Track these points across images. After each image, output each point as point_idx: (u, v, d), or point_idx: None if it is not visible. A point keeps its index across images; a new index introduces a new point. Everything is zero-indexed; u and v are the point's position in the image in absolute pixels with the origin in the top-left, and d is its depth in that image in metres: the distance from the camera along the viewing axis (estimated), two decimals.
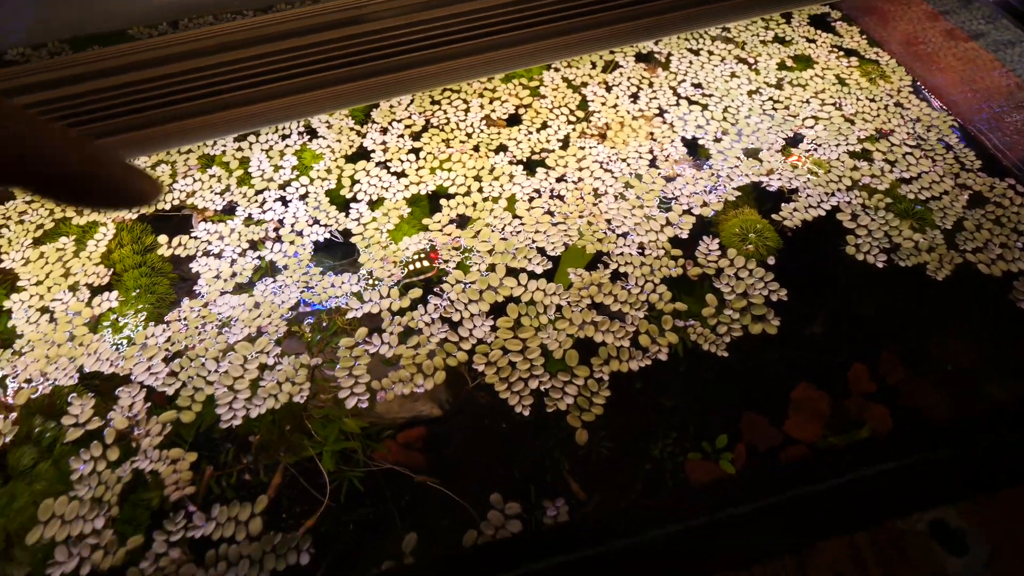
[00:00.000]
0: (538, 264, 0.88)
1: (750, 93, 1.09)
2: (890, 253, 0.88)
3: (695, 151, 1.01)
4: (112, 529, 0.68)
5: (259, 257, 0.90)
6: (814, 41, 1.18)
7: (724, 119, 1.05)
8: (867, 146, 1.01)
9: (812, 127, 1.04)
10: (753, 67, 1.13)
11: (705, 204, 0.94)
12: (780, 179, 0.97)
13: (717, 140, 1.02)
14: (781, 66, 1.13)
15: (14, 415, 0.76)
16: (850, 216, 0.92)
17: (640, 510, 0.70)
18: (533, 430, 0.74)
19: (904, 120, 1.05)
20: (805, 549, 0.72)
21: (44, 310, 0.86)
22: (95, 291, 0.88)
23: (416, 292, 0.85)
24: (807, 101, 1.08)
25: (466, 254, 0.89)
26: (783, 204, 0.94)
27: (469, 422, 0.76)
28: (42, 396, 0.78)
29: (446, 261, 0.89)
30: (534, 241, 0.90)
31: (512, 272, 0.87)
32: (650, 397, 0.77)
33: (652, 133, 1.03)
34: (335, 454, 0.73)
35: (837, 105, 1.07)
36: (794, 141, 1.02)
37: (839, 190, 0.95)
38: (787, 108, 1.07)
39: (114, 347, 0.82)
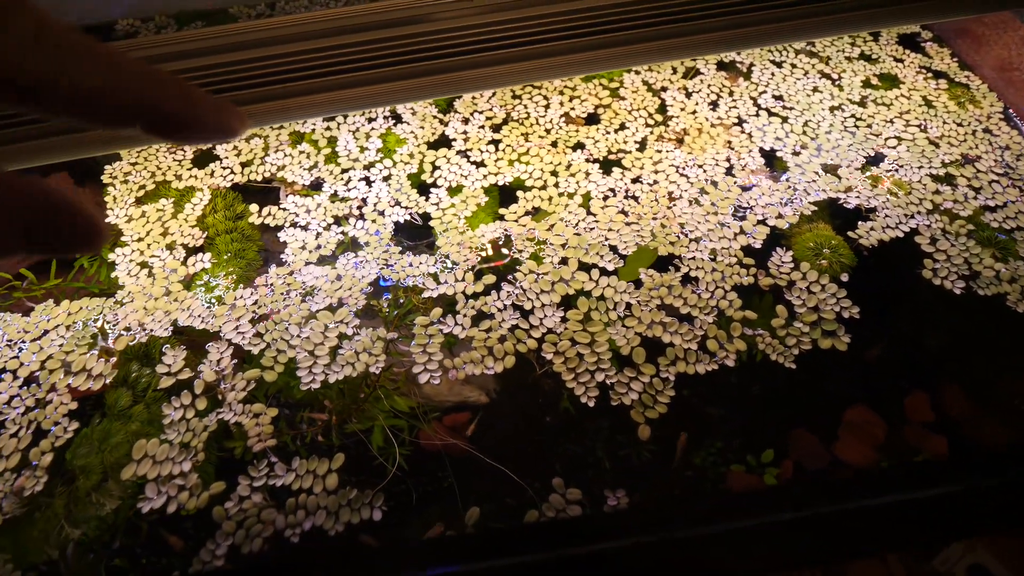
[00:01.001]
0: (610, 261, 0.89)
1: (832, 109, 1.08)
2: (969, 280, 0.87)
3: (772, 163, 1.01)
4: (197, 473, 0.72)
5: (342, 232, 0.95)
6: (902, 61, 1.16)
7: (804, 133, 1.05)
8: (951, 171, 0.99)
9: (895, 147, 1.02)
10: (836, 83, 1.12)
11: (780, 216, 0.94)
12: (858, 197, 0.96)
13: (796, 153, 1.02)
14: (865, 84, 1.12)
15: (114, 359, 0.82)
16: (929, 240, 0.91)
17: (676, 508, 0.71)
18: (583, 422, 0.76)
19: (992, 147, 1.02)
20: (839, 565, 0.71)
21: (144, 265, 0.92)
22: (190, 251, 0.94)
23: (490, 278, 0.88)
24: (891, 121, 1.06)
25: (540, 246, 0.91)
26: (860, 222, 0.93)
27: (517, 410, 0.78)
28: (139, 344, 0.84)
29: (520, 251, 0.91)
30: (607, 239, 0.92)
31: (584, 267, 0.89)
32: (701, 403, 0.78)
33: (730, 142, 1.04)
34: (389, 428, 0.77)
35: (922, 127, 1.05)
36: (875, 160, 1.01)
37: (919, 212, 0.94)
38: (869, 126, 1.05)
39: (206, 305, 0.87)
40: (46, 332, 0.85)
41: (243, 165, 1.04)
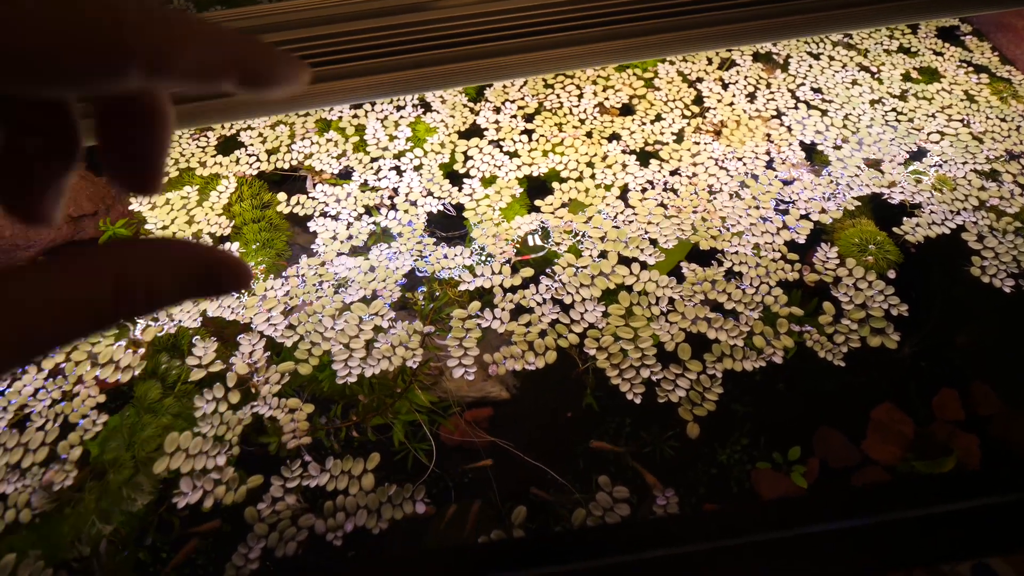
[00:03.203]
0: (651, 255, 0.87)
1: (872, 102, 1.06)
2: (1018, 278, 0.85)
3: (813, 157, 0.99)
4: (233, 467, 0.70)
5: (374, 223, 0.92)
6: (941, 54, 1.13)
7: (844, 127, 1.02)
8: (996, 167, 0.97)
9: (938, 142, 1.00)
10: (876, 76, 1.10)
11: (823, 211, 0.92)
12: (903, 192, 0.94)
13: (837, 147, 0.99)
14: (906, 77, 1.10)
15: (142, 351, 0.80)
16: (976, 237, 0.89)
17: (704, 518, 0.69)
18: (603, 418, 0.74)
19: None
20: None
21: None
22: (217, 240, 0.91)
23: (528, 271, 0.86)
24: (932, 115, 1.04)
25: (578, 239, 0.89)
26: (905, 218, 0.91)
27: (532, 407, 0.76)
28: (167, 335, 0.81)
29: (557, 243, 0.89)
30: (646, 232, 0.90)
31: (624, 260, 0.87)
32: (727, 400, 0.75)
33: (769, 135, 1.01)
34: (412, 423, 0.74)
35: (965, 122, 1.03)
36: (918, 155, 0.99)
37: (965, 209, 0.92)
38: (911, 121, 1.03)
39: (235, 295, 0.84)
40: None
41: (269, 153, 1.01)
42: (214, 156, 1.01)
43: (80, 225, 0.95)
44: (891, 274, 0.85)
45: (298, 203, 0.95)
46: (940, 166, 0.97)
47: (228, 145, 1.03)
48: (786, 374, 0.77)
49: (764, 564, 0.66)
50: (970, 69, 1.11)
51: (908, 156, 0.99)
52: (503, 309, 0.82)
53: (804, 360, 0.78)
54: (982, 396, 0.81)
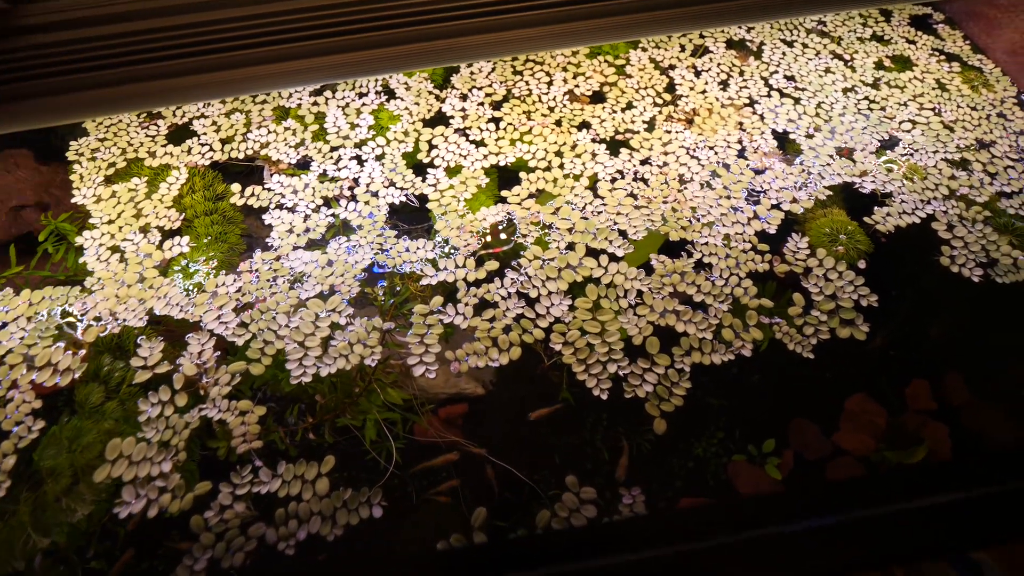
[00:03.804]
0: (619, 247, 0.85)
1: (845, 91, 1.04)
2: (987, 268, 0.84)
3: (785, 145, 0.97)
4: (180, 473, 0.66)
5: (333, 215, 0.88)
6: (914, 43, 1.12)
7: (817, 115, 1.00)
8: (966, 155, 0.96)
9: (909, 131, 0.99)
10: (849, 64, 1.08)
11: (795, 200, 0.90)
12: (874, 182, 0.92)
13: (809, 136, 0.98)
14: (878, 65, 1.08)
15: (83, 352, 0.75)
16: (946, 226, 0.88)
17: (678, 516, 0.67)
18: (575, 415, 0.72)
19: (1007, 132, 0.99)
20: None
21: (115, 249, 0.85)
22: (166, 235, 0.86)
23: (492, 264, 0.83)
24: (905, 104, 1.02)
25: (545, 230, 0.86)
26: (876, 208, 0.90)
27: (507, 403, 0.73)
28: (111, 335, 0.77)
29: (524, 235, 0.86)
30: (615, 223, 0.87)
31: (592, 252, 0.84)
32: (701, 394, 0.74)
33: (741, 123, 0.99)
34: (383, 421, 0.71)
35: (936, 111, 1.02)
36: (890, 144, 0.97)
37: (935, 199, 0.91)
38: (883, 109, 1.02)
39: (184, 292, 0.80)
40: (4, 324, 0.78)
41: (223, 142, 0.96)
42: (164, 146, 0.96)
43: (21, 216, 0.90)
44: (861, 264, 0.84)
45: (253, 195, 0.90)
46: (911, 155, 0.96)
47: (180, 134, 0.98)
48: (757, 366, 0.76)
49: (742, 564, 0.65)
50: (942, 58, 1.10)
51: (880, 145, 0.97)
52: (467, 304, 0.79)
53: (774, 353, 0.76)
54: (953, 386, 0.80)
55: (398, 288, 0.81)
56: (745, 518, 0.66)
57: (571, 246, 0.85)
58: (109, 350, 0.76)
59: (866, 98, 1.03)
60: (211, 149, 0.95)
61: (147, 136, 0.97)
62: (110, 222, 0.87)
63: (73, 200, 0.90)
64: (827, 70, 1.07)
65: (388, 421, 0.72)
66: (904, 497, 0.69)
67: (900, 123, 1.00)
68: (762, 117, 1.00)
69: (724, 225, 0.87)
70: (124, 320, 0.78)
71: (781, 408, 0.74)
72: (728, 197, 0.90)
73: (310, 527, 0.63)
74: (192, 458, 0.68)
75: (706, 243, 0.85)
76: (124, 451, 0.67)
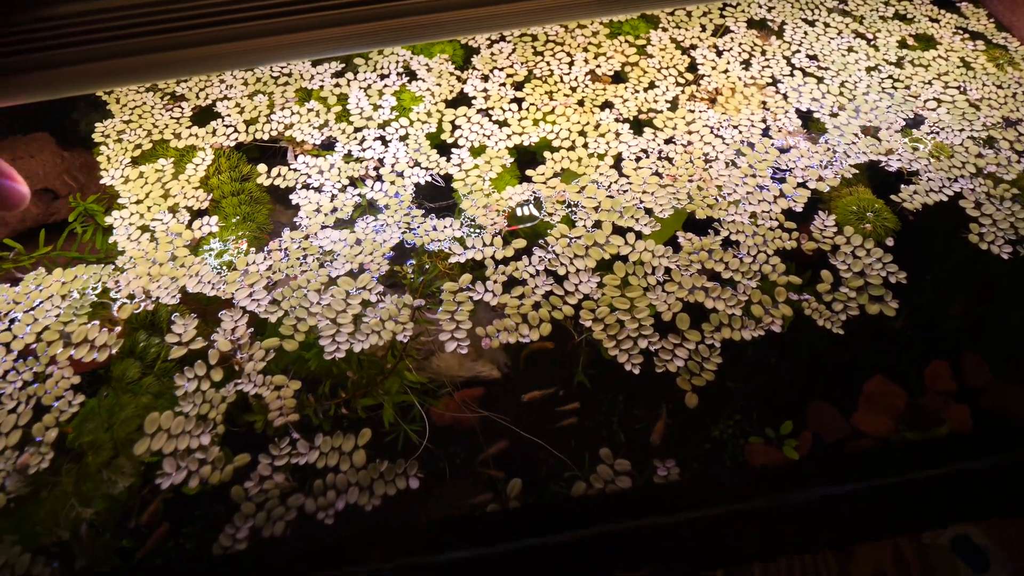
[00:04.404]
0: (646, 225, 0.85)
1: (868, 69, 1.03)
2: (1016, 245, 0.84)
3: (809, 124, 0.97)
4: (218, 446, 0.67)
5: (359, 195, 0.88)
6: (937, 21, 1.11)
7: (841, 94, 1.00)
8: (993, 134, 0.96)
9: (935, 109, 0.98)
10: (872, 43, 1.07)
11: (821, 179, 0.90)
12: (900, 160, 0.92)
13: (833, 115, 0.97)
14: (902, 44, 1.07)
15: (118, 329, 0.76)
16: (974, 204, 0.88)
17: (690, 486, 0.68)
18: (597, 393, 0.72)
19: None
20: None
21: (145, 229, 0.85)
22: (195, 215, 0.87)
23: (520, 242, 0.83)
24: (929, 83, 1.02)
25: (571, 209, 0.86)
26: (903, 186, 0.90)
27: (524, 386, 0.74)
28: (145, 312, 0.78)
29: (550, 214, 0.86)
30: (641, 201, 0.87)
31: (619, 230, 0.84)
32: (720, 376, 0.74)
33: (765, 102, 0.99)
34: (402, 404, 0.72)
35: (961, 89, 1.01)
36: (915, 122, 0.97)
37: (962, 176, 0.91)
38: (907, 88, 1.01)
39: (215, 271, 0.81)
40: (39, 303, 0.79)
41: (247, 123, 0.97)
42: (189, 127, 0.96)
43: (45, 202, 0.90)
44: (889, 242, 0.84)
45: (279, 175, 0.91)
46: (937, 133, 0.96)
47: (204, 116, 0.98)
48: (784, 343, 0.76)
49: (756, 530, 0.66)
50: (966, 36, 1.09)
51: (905, 123, 0.97)
52: (495, 282, 0.80)
53: (801, 330, 0.77)
54: (974, 367, 0.80)
55: (426, 266, 0.82)
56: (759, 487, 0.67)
57: (598, 224, 0.85)
58: (144, 327, 0.77)
59: (890, 77, 1.03)
60: (235, 130, 0.96)
61: (171, 118, 0.97)
62: (139, 202, 0.88)
63: (101, 181, 0.90)
64: (850, 49, 1.07)
65: (405, 404, 0.73)
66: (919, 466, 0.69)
67: (925, 101, 0.99)
68: (785, 96, 1.00)
69: (750, 203, 0.87)
70: (158, 298, 0.78)
71: (800, 390, 0.74)
72: (754, 176, 0.90)
73: (348, 497, 0.64)
74: (228, 431, 0.69)
75: (733, 221, 0.85)
76: (163, 424, 0.68)
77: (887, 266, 0.81)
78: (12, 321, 0.77)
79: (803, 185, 0.89)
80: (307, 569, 0.59)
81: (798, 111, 0.98)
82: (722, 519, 0.62)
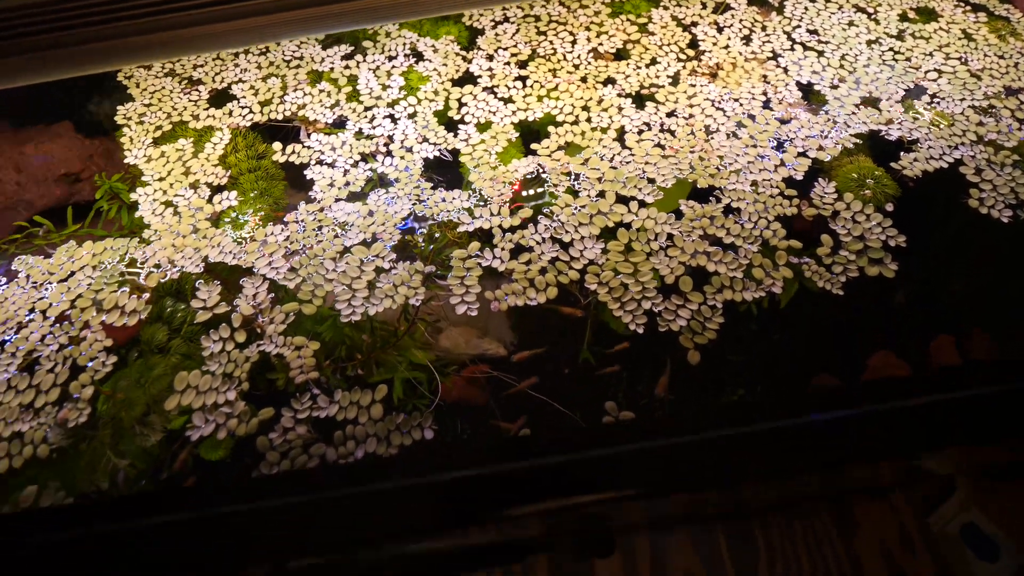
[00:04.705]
0: (649, 194, 0.87)
1: (869, 43, 1.05)
2: (1016, 209, 0.85)
3: (810, 96, 0.99)
4: (244, 401, 0.71)
5: (371, 169, 0.92)
6: None
7: (841, 67, 1.02)
8: (994, 102, 0.97)
9: (935, 80, 1.00)
10: (872, 16, 1.09)
11: (821, 148, 0.92)
12: (900, 129, 0.94)
13: (834, 87, 0.99)
14: (903, 17, 1.09)
15: (147, 296, 0.81)
16: (974, 170, 0.89)
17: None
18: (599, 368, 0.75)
19: None
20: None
21: (168, 204, 0.90)
22: (214, 190, 0.91)
23: (526, 212, 0.86)
24: (930, 54, 1.03)
25: (575, 180, 0.89)
26: (903, 154, 0.91)
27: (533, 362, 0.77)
28: (171, 281, 0.82)
29: (555, 185, 0.89)
30: (644, 172, 0.90)
31: (622, 199, 0.87)
32: (720, 347, 0.76)
33: (765, 76, 1.01)
34: (412, 379, 0.75)
35: (963, 60, 1.02)
36: (916, 93, 0.98)
37: (963, 144, 0.92)
38: (908, 60, 1.03)
39: (236, 241, 0.85)
40: (72, 273, 0.83)
41: (262, 104, 1.01)
42: (206, 109, 1.00)
43: (74, 188, 0.94)
44: (889, 207, 0.86)
45: (294, 152, 0.94)
46: (937, 103, 0.97)
47: (220, 98, 1.02)
48: (786, 313, 0.78)
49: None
50: (967, 8, 1.10)
51: (905, 94, 0.98)
52: (503, 249, 0.83)
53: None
54: (978, 341, 0.82)
55: (436, 235, 0.85)
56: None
57: (601, 194, 0.87)
58: (170, 294, 0.81)
59: (891, 49, 1.04)
60: (251, 111, 0.99)
61: (189, 100, 1.01)
62: (161, 179, 0.92)
63: (125, 160, 0.95)
64: (850, 23, 1.08)
65: (415, 380, 0.76)
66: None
67: (926, 73, 1.01)
68: (786, 70, 1.02)
69: (751, 172, 0.89)
70: (182, 267, 0.82)
71: (805, 362, 0.76)
72: (755, 146, 0.92)
73: (367, 447, 0.67)
74: (252, 388, 0.73)
75: (734, 189, 0.87)
76: (191, 382, 0.72)
77: (887, 230, 0.83)
78: (47, 290, 0.82)
79: (803, 155, 0.91)
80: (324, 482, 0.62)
81: (799, 84, 1.00)
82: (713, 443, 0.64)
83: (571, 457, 0.60)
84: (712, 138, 0.93)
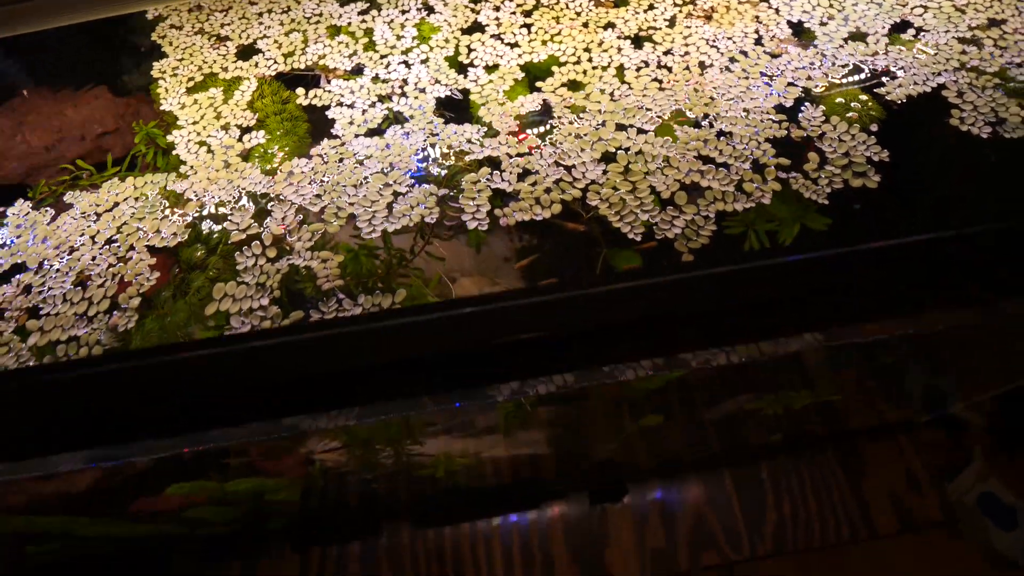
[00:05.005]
0: (646, 122, 0.93)
1: None
2: (995, 126, 0.90)
3: (800, 34, 1.04)
4: (276, 305, 0.78)
5: (387, 109, 0.99)
6: None
7: (831, 5, 1.07)
8: (978, 33, 1.01)
9: (921, 15, 1.04)
10: None
11: (809, 78, 0.97)
12: (886, 59, 0.99)
13: (823, 24, 1.04)
14: None
15: (185, 220, 0.88)
16: (956, 93, 0.94)
17: None
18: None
19: (1019, 11, 1.04)
20: None
21: (202, 143, 0.97)
22: (244, 131, 0.98)
23: (532, 140, 0.92)
24: None
25: (578, 112, 0.95)
26: (888, 80, 0.96)
27: None
28: (205, 207, 0.89)
29: (558, 117, 0.95)
30: (642, 104, 0.96)
31: (621, 127, 0.93)
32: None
33: (758, 16, 1.06)
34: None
35: None
36: (902, 27, 1.03)
37: (945, 71, 0.97)
38: None
39: (264, 173, 0.92)
40: (116, 204, 0.91)
41: (285, 56, 1.08)
42: (234, 62, 1.08)
43: (106, 142, 1.02)
44: (873, 128, 0.91)
45: (316, 96, 1.02)
46: (923, 35, 1.02)
47: (246, 52, 1.10)
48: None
49: None
50: None
51: (892, 28, 1.03)
52: (510, 173, 0.89)
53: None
54: None
55: (449, 163, 0.92)
56: None
57: (602, 123, 0.93)
58: (206, 219, 0.88)
59: None
60: (275, 62, 1.07)
61: (219, 55, 1.09)
62: (195, 123, 1.00)
63: (161, 108, 1.02)
64: None
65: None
66: None
67: (912, 8, 1.05)
68: (777, 10, 1.07)
69: (743, 101, 0.95)
70: (217, 196, 0.90)
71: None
72: (746, 78, 0.98)
73: None
74: (284, 295, 0.80)
75: (727, 115, 0.93)
76: (228, 291, 0.80)
77: (871, 147, 0.88)
78: (95, 219, 0.90)
79: (792, 84, 0.96)
80: None
81: (789, 22, 1.05)
82: None
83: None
84: (706, 73, 0.99)
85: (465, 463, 1.00)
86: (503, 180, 0.89)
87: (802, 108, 0.93)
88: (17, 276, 0.84)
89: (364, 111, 0.99)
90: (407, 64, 1.05)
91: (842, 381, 1.02)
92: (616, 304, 0.73)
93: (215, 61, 1.08)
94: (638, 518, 1.44)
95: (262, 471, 0.97)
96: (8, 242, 0.89)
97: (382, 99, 1.00)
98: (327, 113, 0.99)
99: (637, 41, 1.05)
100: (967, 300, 0.79)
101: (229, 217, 0.87)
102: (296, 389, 0.76)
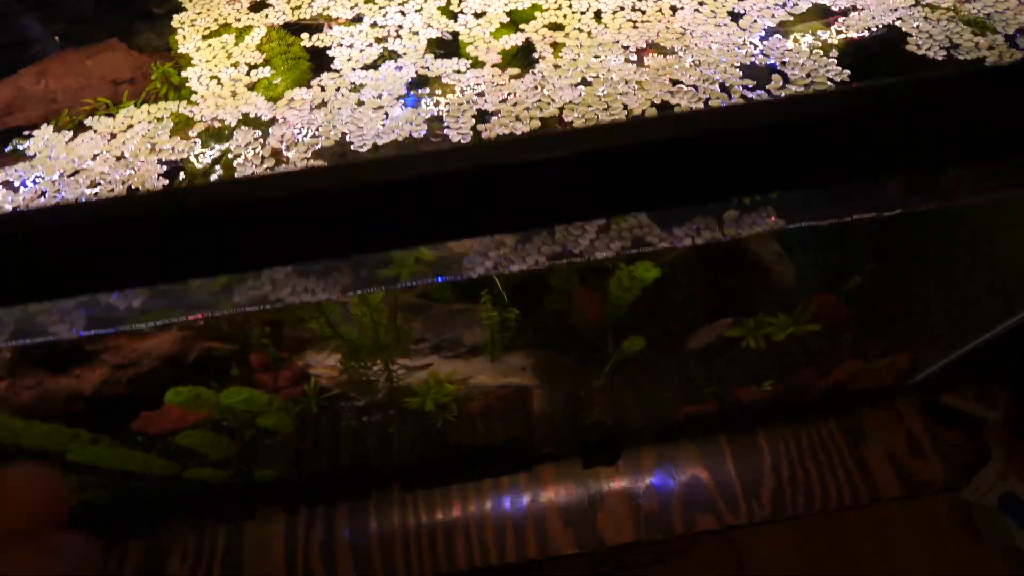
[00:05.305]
0: (620, 56, 1.00)
1: None
2: (950, 50, 0.96)
3: None
4: None
5: (383, 48, 1.07)
6: None
7: None
8: None
9: None
10: None
11: (773, 16, 1.04)
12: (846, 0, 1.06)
13: None
14: None
15: (194, 136, 0.96)
16: (913, 25, 1.00)
17: None
18: None
19: None
20: None
21: (213, 77, 1.06)
22: (251, 67, 1.07)
23: (514, 69, 1.00)
24: None
25: (558, 48, 1.03)
26: (846, 15, 1.03)
27: None
28: (213, 128, 0.97)
29: (539, 52, 1.03)
30: (617, 40, 1.03)
31: (597, 57, 1.00)
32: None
33: None
34: None
35: None
36: None
37: (902, 6, 1.03)
38: None
39: (269, 101, 1.00)
40: (131, 126, 0.99)
41: (292, 9, 1.18)
42: (247, 14, 1.18)
43: (119, 89, 1.11)
44: (834, 54, 0.97)
45: (318, 39, 1.11)
46: None
47: (258, 6, 1.20)
48: None
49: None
50: None
51: None
52: (494, 96, 0.96)
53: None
54: None
55: (438, 91, 0.99)
56: None
57: (579, 55, 1.01)
58: (213, 137, 0.96)
59: None
60: (283, 14, 1.17)
61: (233, 9, 1.19)
62: (207, 62, 1.09)
63: (180, 50, 1.12)
64: None
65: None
66: None
67: None
68: None
69: (711, 35, 1.02)
70: (224, 119, 0.98)
71: None
72: (715, 16, 1.05)
73: None
74: None
75: (696, 47, 1.00)
76: None
77: (831, 68, 0.94)
78: (110, 139, 0.98)
79: (757, 21, 1.04)
80: None
81: None
82: None
83: None
84: (676, 14, 1.06)
85: (454, 392, 1.03)
86: (486, 102, 0.96)
87: (765, 40, 1.00)
88: (35, 183, 0.92)
89: (362, 50, 1.07)
90: (403, 13, 1.14)
91: (817, 303, 1.06)
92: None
93: (230, 14, 1.18)
94: (632, 481, 1.46)
95: (259, 384, 1.02)
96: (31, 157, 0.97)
97: (379, 40, 1.09)
98: (328, 52, 1.08)
99: None
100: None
101: (234, 134, 0.95)
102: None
